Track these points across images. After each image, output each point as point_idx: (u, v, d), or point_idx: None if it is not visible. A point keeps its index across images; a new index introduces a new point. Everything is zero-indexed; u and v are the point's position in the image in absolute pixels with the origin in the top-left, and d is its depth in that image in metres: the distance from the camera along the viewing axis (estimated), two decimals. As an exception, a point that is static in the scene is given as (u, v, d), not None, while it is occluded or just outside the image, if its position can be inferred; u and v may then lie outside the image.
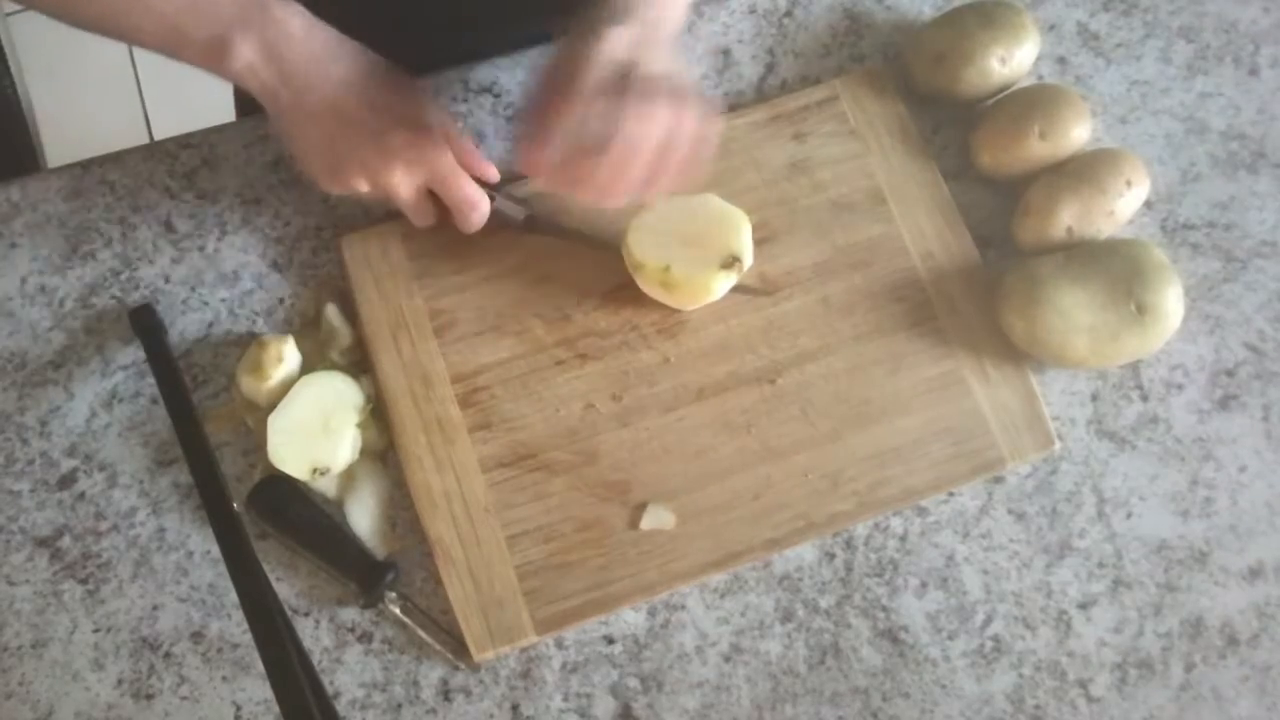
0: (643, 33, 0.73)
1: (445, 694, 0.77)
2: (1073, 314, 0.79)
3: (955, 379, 0.82)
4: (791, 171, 0.80)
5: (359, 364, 0.82)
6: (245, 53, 0.70)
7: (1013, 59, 0.86)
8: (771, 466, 0.80)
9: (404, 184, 0.76)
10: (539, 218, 0.83)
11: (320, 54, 0.72)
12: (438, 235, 0.83)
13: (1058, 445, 0.82)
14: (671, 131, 0.72)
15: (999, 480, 0.82)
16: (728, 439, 0.80)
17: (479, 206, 0.79)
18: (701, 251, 0.80)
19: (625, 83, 0.71)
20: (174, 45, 0.71)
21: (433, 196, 0.79)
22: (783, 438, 0.80)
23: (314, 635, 0.78)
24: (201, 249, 0.85)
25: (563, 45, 0.74)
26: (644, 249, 0.80)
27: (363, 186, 0.76)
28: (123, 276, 0.84)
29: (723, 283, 0.80)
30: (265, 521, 0.78)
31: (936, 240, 0.85)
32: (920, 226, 0.85)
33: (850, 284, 0.84)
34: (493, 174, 0.81)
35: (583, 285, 0.83)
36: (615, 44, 0.72)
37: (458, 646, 0.77)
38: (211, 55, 0.71)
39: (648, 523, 0.79)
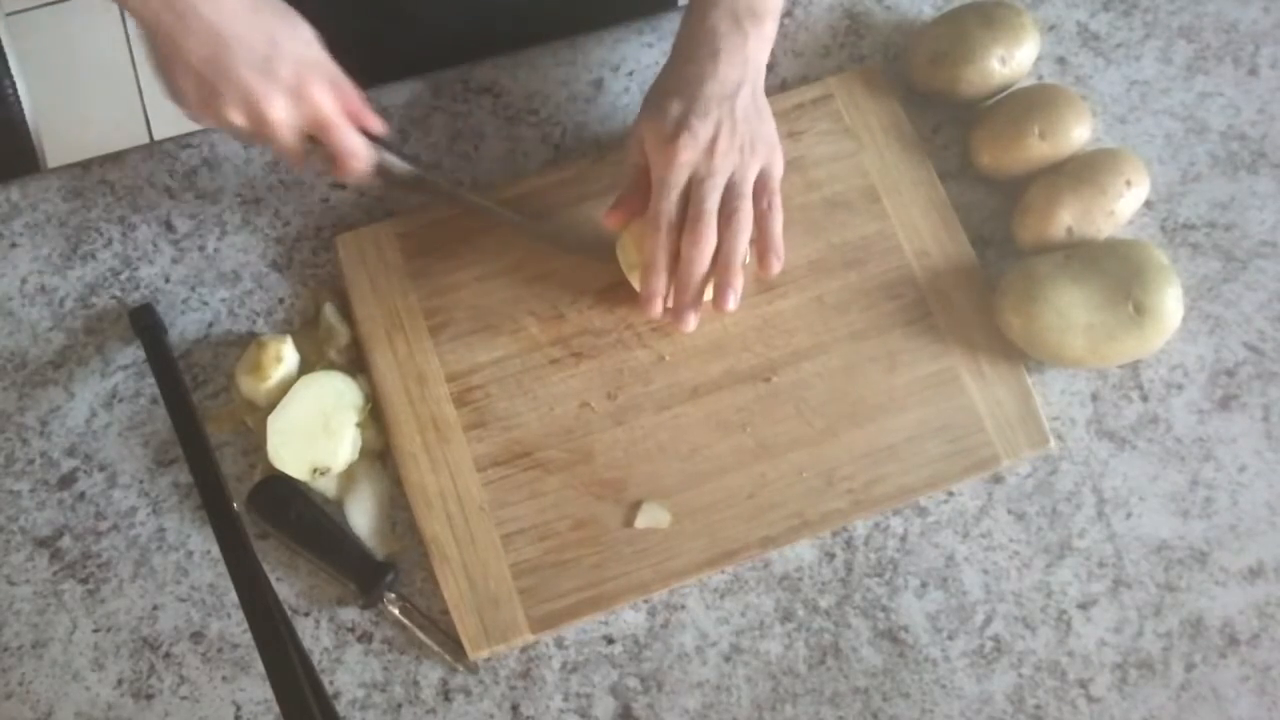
0: (719, 115, 0.75)
1: (445, 694, 0.77)
2: (1070, 312, 0.79)
3: (950, 376, 0.82)
4: (786, 169, 0.80)
5: (357, 363, 0.82)
6: None
7: (1013, 59, 0.85)
8: (766, 464, 0.80)
9: (283, 121, 0.73)
10: (430, 180, 0.81)
11: None
12: (433, 234, 0.83)
13: (1053, 444, 0.81)
14: (725, 248, 0.76)
15: (999, 480, 0.82)
16: (722, 437, 0.80)
17: (360, 155, 0.76)
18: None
19: (690, 202, 0.75)
20: None
21: (317, 146, 0.77)
22: (778, 436, 0.80)
23: (314, 635, 0.78)
24: (201, 249, 0.85)
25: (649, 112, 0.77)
26: (639, 247, 0.80)
27: (237, 118, 0.73)
28: (123, 276, 0.85)
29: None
30: (265, 521, 0.78)
31: (931, 238, 0.85)
32: (915, 224, 0.85)
33: (845, 282, 0.84)
34: (378, 126, 0.79)
35: (577, 284, 0.83)
36: (687, 153, 0.75)
37: (456, 648, 0.77)
38: None
39: (643, 521, 0.78)
